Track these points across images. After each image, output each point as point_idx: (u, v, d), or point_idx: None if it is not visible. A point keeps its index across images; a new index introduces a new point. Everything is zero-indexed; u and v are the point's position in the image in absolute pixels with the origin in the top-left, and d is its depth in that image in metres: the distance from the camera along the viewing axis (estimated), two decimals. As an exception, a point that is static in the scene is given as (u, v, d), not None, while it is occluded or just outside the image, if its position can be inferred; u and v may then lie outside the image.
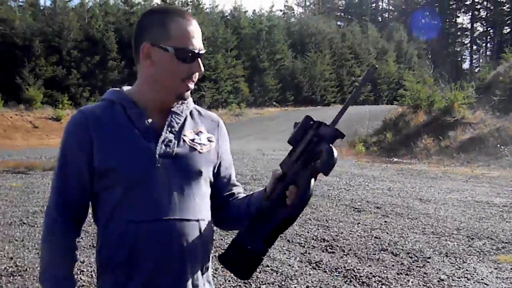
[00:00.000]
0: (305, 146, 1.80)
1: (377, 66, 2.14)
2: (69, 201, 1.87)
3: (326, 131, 1.77)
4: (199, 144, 1.92)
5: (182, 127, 1.91)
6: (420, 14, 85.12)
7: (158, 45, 1.81)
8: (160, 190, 1.81)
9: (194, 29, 1.85)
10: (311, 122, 1.80)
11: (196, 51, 1.83)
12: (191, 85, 1.87)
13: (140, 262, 1.79)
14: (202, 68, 1.86)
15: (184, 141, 1.89)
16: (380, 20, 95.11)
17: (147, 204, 1.79)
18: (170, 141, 1.86)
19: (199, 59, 1.85)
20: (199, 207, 1.87)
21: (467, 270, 5.79)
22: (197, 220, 1.87)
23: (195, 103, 2.06)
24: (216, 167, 2.01)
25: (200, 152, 1.90)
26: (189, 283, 1.86)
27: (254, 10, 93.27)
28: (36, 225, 7.49)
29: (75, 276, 1.97)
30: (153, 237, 1.79)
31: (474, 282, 5.40)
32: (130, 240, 1.78)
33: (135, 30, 1.91)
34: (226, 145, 2.08)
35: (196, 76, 1.88)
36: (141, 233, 1.78)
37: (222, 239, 6.75)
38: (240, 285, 5.28)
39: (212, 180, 1.99)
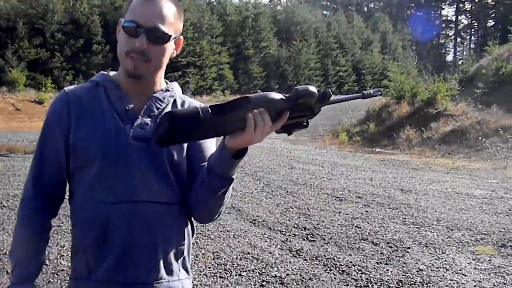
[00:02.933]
0: None
1: (381, 91, 2.05)
2: (45, 175, 1.90)
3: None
4: None
5: (162, 112, 1.89)
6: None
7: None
8: (133, 173, 1.80)
9: (151, 6, 1.80)
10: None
11: (142, 26, 1.78)
12: (137, 62, 1.81)
13: (111, 243, 1.78)
14: (143, 45, 1.78)
15: None
16: (366, 10, 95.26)
17: (119, 186, 1.79)
18: (147, 124, 1.85)
19: (144, 35, 1.78)
20: (172, 190, 1.86)
21: (446, 260, 5.85)
22: (170, 204, 1.86)
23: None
24: (202, 153, 1.96)
25: None
26: (161, 266, 1.85)
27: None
28: (16, 209, 7.44)
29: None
30: (124, 219, 1.78)
31: (452, 273, 5.46)
32: (101, 222, 1.78)
33: None
34: None
35: (147, 54, 1.81)
36: (112, 214, 1.78)
37: (204, 226, 6.76)
38: (220, 272, 5.30)
39: (189, 165, 1.94)
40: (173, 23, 1.85)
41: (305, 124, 1.80)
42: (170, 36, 1.84)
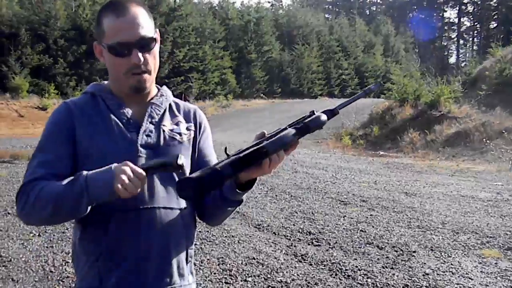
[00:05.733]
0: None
1: (382, 83, 2.06)
2: (48, 174, 1.78)
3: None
4: (178, 133, 1.94)
5: (161, 118, 1.94)
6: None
7: (100, 44, 1.87)
8: None
9: (125, 20, 1.81)
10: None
11: (129, 43, 1.80)
12: (139, 76, 1.84)
13: (124, 251, 1.80)
14: (141, 58, 1.81)
15: (163, 131, 1.91)
16: (368, 14, 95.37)
17: None
18: (151, 131, 1.89)
19: (136, 50, 1.80)
20: None
21: (452, 264, 5.82)
22: (180, 209, 1.90)
23: (182, 94, 2.08)
24: (197, 154, 2.02)
25: (180, 142, 1.93)
26: (175, 271, 1.89)
27: (242, 1, 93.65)
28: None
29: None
30: (137, 226, 1.80)
31: (459, 277, 5.44)
32: (114, 230, 1.79)
33: None
34: (206, 132, 2.09)
35: (145, 67, 1.84)
36: (125, 222, 1.80)
37: (208, 231, 6.75)
38: (225, 277, 5.28)
39: (197, 162, 2.00)
40: (150, 24, 1.87)
41: None
42: (155, 38, 1.88)
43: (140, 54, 1.81)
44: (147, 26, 1.84)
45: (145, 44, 1.83)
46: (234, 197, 1.86)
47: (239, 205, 1.93)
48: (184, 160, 1.70)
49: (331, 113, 1.84)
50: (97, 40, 1.88)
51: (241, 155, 1.70)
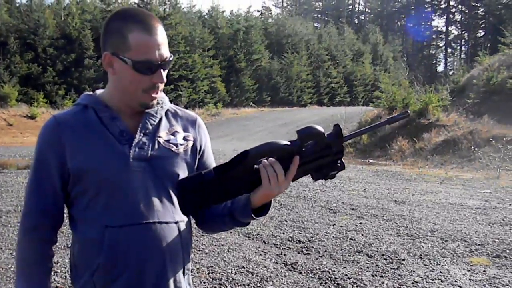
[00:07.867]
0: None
1: (409, 112, 2.03)
2: (44, 206, 1.86)
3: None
4: (174, 144, 1.90)
5: (156, 128, 1.89)
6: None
7: (118, 56, 1.78)
8: (137, 194, 1.79)
9: (155, 39, 1.77)
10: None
11: (157, 63, 1.77)
12: (155, 95, 1.84)
13: (120, 266, 1.78)
14: (164, 79, 1.81)
15: (159, 142, 1.87)
16: (357, 22, 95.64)
17: (124, 209, 1.78)
18: (145, 143, 1.84)
19: (161, 70, 1.79)
20: (176, 208, 1.86)
21: (440, 272, 5.84)
22: (176, 222, 1.86)
23: (171, 103, 2.05)
24: (197, 165, 1.98)
25: (176, 153, 1.89)
26: (171, 285, 1.86)
27: (232, 10, 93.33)
28: (9, 225, 7.41)
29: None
30: (132, 242, 1.78)
31: (447, 284, 5.46)
32: (109, 245, 1.77)
33: (101, 35, 1.88)
34: (206, 142, 2.06)
35: (160, 86, 1.84)
36: (120, 238, 1.77)
37: (198, 240, 6.75)
38: (215, 286, 5.28)
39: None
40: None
41: (340, 164, 1.87)
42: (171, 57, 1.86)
43: (164, 75, 1.81)
44: (167, 45, 1.83)
45: (167, 65, 1.82)
46: (245, 219, 1.89)
47: (246, 226, 1.97)
48: None
49: (334, 130, 1.81)
50: (112, 51, 1.79)
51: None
